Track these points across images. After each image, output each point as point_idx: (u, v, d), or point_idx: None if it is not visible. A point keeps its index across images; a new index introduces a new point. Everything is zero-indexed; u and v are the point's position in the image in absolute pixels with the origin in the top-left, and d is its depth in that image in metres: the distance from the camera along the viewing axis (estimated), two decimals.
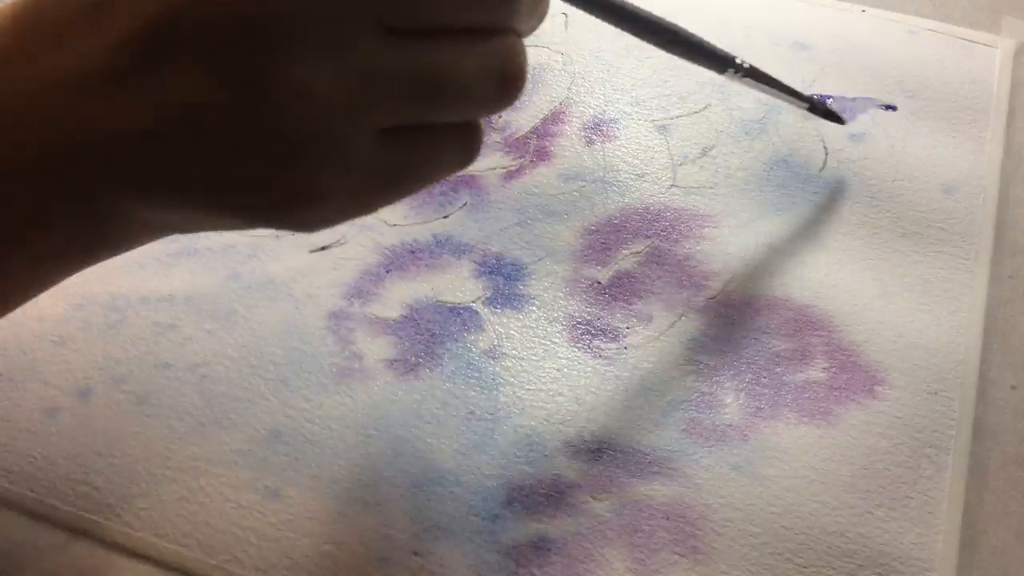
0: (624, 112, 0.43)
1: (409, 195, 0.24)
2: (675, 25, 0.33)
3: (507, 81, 0.23)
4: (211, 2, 0.20)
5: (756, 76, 0.36)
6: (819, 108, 0.41)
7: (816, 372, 0.35)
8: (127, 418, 0.34)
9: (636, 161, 0.41)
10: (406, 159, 0.23)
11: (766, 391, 0.34)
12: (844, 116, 0.42)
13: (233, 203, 0.23)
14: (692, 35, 0.34)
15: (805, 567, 0.31)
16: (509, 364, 0.35)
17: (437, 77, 0.22)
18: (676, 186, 0.40)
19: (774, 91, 0.38)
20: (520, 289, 0.37)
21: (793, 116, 0.43)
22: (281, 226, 0.23)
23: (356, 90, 0.21)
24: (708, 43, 0.34)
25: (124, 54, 0.21)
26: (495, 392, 0.34)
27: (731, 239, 0.39)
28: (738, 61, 0.35)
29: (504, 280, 0.38)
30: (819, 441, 0.33)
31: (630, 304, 0.37)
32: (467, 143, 0.25)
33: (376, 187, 0.23)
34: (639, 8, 0.31)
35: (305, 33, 0.20)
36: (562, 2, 0.28)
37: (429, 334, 0.36)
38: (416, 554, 0.31)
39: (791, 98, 0.39)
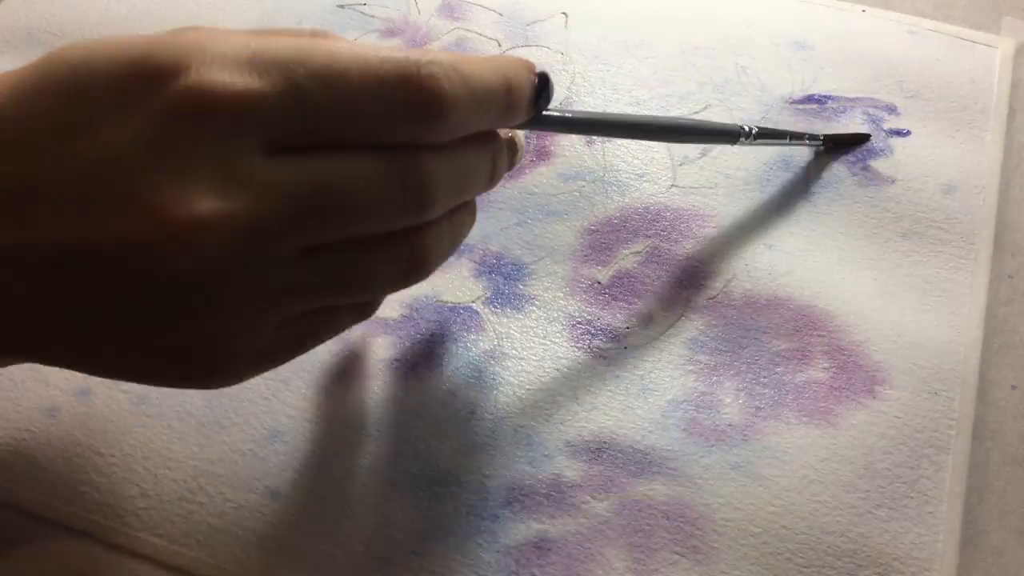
0: (624, 112, 0.43)
1: (305, 352, 0.26)
2: (678, 119, 0.34)
3: (410, 275, 0.26)
4: (126, 248, 0.21)
5: (766, 135, 0.37)
6: (837, 140, 0.41)
7: (816, 372, 0.35)
8: (127, 418, 0.34)
9: (636, 161, 0.41)
10: (307, 332, 0.26)
11: (766, 391, 0.34)
12: (851, 129, 0.42)
13: (133, 378, 0.25)
14: (695, 122, 0.35)
15: (805, 567, 0.31)
16: (509, 364, 0.35)
17: (344, 284, 0.24)
18: (676, 186, 0.40)
19: (786, 142, 0.39)
20: (520, 289, 0.37)
21: (793, 116, 0.43)
22: (181, 387, 0.26)
23: (270, 304, 0.23)
24: (713, 124, 0.35)
25: (44, 266, 0.22)
26: (495, 392, 0.34)
27: (731, 239, 0.39)
28: (745, 129, 0.36)
29: (504, 280, 0.38)
30: (819, 441, 0.33)
31: (630, 304, 0.37)
32: (366, 309, 0.28)
33: (279, 354, 0.25)
34: (641, 117, 0.32)
35: (234, 272, 0.22)
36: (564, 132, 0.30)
37: (429, 334, 0.36)
38: (416, 554, 0.31)
39: (805, 143, 0.40)
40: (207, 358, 0.23)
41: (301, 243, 0.22)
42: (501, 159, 0.28)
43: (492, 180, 0.28)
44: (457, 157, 0.25)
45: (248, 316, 0.23)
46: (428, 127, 0.23)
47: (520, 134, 0.30)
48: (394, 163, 0.23)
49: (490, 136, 0.27)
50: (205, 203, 0.20)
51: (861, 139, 0.42)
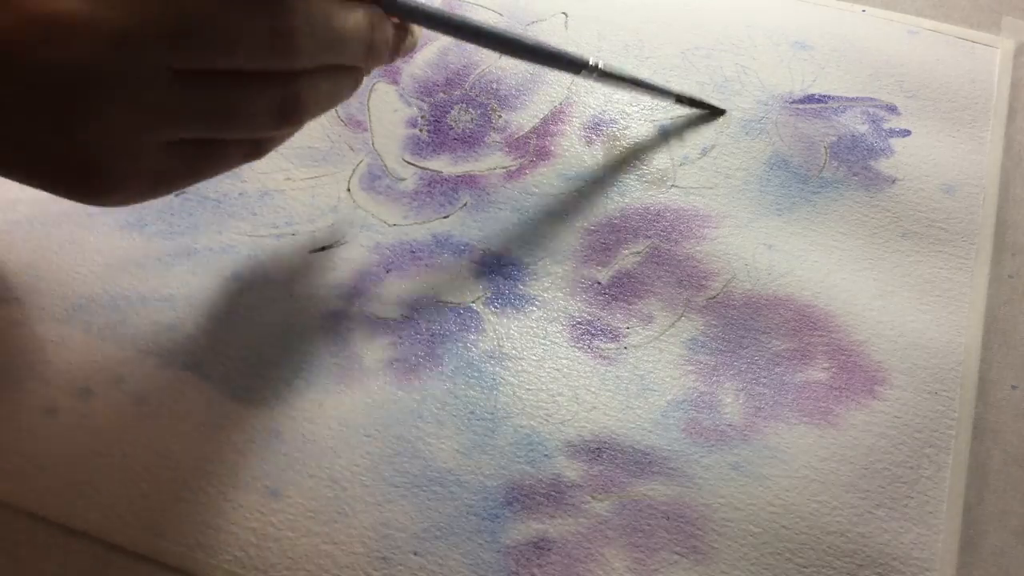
0: (624, 112, 0.43)
1: (202, 180, 0.29)
2: (524, 35, 0.35)
3: (285, 116, 0.28)
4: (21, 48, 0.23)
5: (611, 76, 0.38)
6: (688, 100, 0.42)
7: (816, 372, 0.35)
8: (127, 418, 0.34)
9: (636, 161, 0.41)
10: (197, 159, 0.28)
11: (766, 391, 0.34)
12: (721, 106, 0.43)
13: (24, 179, 0.26)
14: (538, 43, 0.36)
15: (805, 567, 0.31)
16: (509, 364, 0.35)
17: (219, 114, 0.26)
18: (676, 186, 0.40)
19: (637, 88, 0.40)
20: (520, 289, 0.37)
21: (793, 116, 0.43)
22: (81, 201, 0.27)
23: (147, 119, 0.25)
24: (558, 49, 0.36)
25: None
26: (495, 392, 0.34)
27: (731, 239, 0.39)
28: (591, 63, 0.37)
29: (504, 280, 0.38)
30: (819, 441, 0.33)
31: (630, 304, 0.37)
32: (256, 149, 0.29)
33: (172, 177, 0.27)
34: (481, 23, 0.34)
35: (107, 77, 0.24)
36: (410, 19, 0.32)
37: (429, 334, 0.36)
38: (416, 554, 0.31)
39: (656, 94, 0.41)
40: (91, 165, 0.25)
41: (172, 62, 0.24)
42: (381, 32, 0.30)
43: (371, 52, 0.30)
44: (330, 15, 0.27)
45: (124, 127, 0.25)
46: None
47: (415, 28, 0.33)
48: (264, 5, 0.25)
49: (367, 7, 0.29)
50: (73, 2, 0.23)
51: (715, 111, 0.42)
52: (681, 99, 0.42)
